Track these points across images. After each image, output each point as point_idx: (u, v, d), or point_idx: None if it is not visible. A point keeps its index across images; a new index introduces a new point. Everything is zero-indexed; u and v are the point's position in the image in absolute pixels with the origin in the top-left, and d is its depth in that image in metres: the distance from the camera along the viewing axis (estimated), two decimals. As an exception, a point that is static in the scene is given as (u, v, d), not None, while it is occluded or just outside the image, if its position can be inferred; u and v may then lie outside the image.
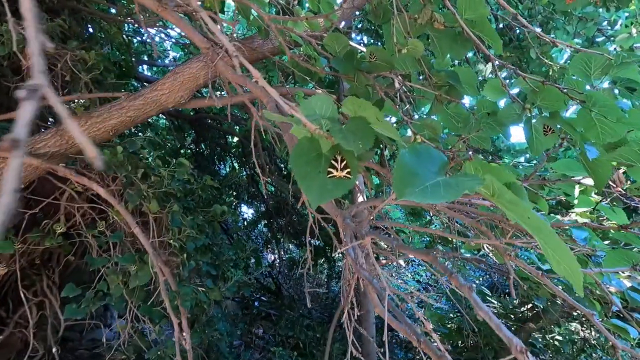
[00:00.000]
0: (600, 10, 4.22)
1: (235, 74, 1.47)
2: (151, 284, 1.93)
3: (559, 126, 1.25)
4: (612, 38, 4.36)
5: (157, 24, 3.77)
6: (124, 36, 4.09)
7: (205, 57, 1.74)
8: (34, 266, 2.00)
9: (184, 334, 1.66)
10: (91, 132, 1.82)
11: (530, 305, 3.73)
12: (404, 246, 0.69)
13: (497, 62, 1.37)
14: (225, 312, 2.98)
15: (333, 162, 0.62)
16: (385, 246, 0.74)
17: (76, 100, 2.17)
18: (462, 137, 1.56)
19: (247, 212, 6.23)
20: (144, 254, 1.84)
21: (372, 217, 0.83)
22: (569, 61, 4.57)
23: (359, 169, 0.67)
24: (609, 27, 4.38)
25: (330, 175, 0.62)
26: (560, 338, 3.30)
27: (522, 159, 5.33)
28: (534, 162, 5.31)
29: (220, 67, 1.50)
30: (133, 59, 4.40)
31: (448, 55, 1.48)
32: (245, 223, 5.63)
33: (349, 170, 0.62)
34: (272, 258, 6.31)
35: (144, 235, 1.69)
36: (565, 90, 1.05)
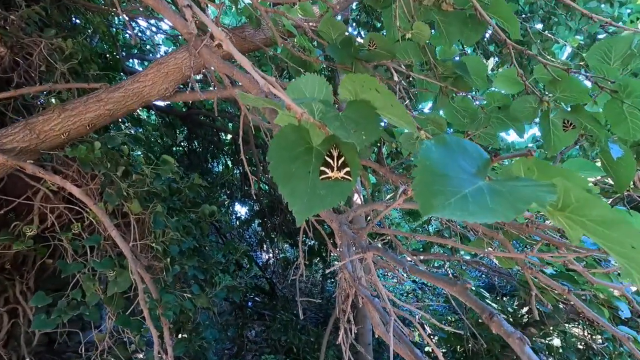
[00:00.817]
0: (603, 6, 4.13)
1: (222, 62, 1.34)
2: (132, 291, 1.79)
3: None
4: (615, 34, 4.27)
5: (146, 14, 3.61)
6: (113, 28, 3.93)
7: (189, 44, 1.60)
8: (5, 271, 1.85)
9: (166, 346, 1.52)
10: (65, 126, 1.67)
11: (529, 308, 3.63)
12: (418, 270, 0.56)
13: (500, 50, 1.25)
14: (214, 318, 2.84)
15: (327, 158, 0.47)
16: (393, 265, 0.62)
17: (53, 92, 2.02)
18: (468, 134, 1.44)
19: (241, 210, 6.09)
20: (123, 258, 1.70)
21: (373, 225, 0.70)
22: (570, 58, 4.47)
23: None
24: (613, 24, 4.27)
25: (323, 176, 0.47)
26: (559, 344, 3.21)
27: (521, 158, 5.22)
28: (533, 161, 5.20)
29: (205, 54, 1.36)
30: (123, 52, 4.23)
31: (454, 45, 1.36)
32: (239, 222, 5.50)
33: (348, 169, 0.47)
34: (266, 257, 6.19)
35: (122, 239, 1.55)
36: (593, 80, 0.93)
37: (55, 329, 1.60)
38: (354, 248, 0.85)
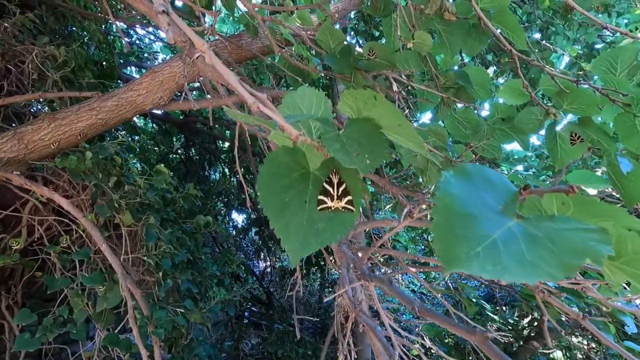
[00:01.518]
0: (600, 16, 4.14)
1: (217, 72, 1.29)
2: (123, 306, 1.73)
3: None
4: (612, 44, 4.27)
5: (143, 22, 3.59)
6: (110, 36, 3.90)
7: (183, 53, 1.56)
8: (-9, 285, 1.79)
9: (157, 365, 1.46)
10: (55, 136, 1.62)
11: (530, 318, 3.57)
12: (430, 312, 0.51)
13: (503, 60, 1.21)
14: (209, 332, 2.76)
15: (326, 185, 0.41)
16: (403, 306, 0.57)
17: (44, 100, 1.97)
18: (470, 146, 1.40)
19: (238, 218, 6.02)
20: (114, 272, 1.64)
21: (375, 247, 0.66)
22: (567, 67, 4.47)
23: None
24: (610, 34, 4.30)
25: (321, 205, 0.41)
26: (561, 356, 3.15)
27: (520, 167, 5.19)
28: (533, 170, 5.18)
29: (199, 63, 1.32)
30: (121, 60, 4.21)
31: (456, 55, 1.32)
32: (235, 231, 5.44)
33: (349, 198, 0.41)
34: (263, 266, 6.12)
35: (112, 253, 1.49)
36: (604, 92, 0.89)
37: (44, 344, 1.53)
38: (353, 267, 0.80)
